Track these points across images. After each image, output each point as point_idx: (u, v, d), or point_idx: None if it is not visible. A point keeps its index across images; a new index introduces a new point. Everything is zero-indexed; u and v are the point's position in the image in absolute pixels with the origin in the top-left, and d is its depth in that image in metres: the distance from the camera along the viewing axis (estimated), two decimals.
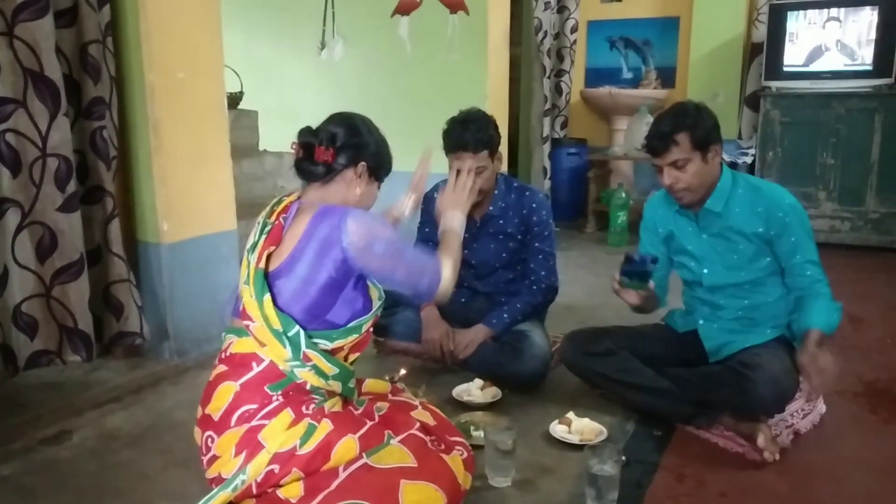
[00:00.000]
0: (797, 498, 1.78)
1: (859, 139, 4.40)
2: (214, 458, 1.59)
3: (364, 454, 1.54)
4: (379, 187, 1.81)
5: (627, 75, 5.79)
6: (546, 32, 5.23)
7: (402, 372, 2.23)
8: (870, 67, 4.41)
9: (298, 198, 1.74)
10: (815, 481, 1.85)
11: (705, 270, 2.20)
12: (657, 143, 2.07)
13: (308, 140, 1.68)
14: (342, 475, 1.52)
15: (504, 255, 2.60)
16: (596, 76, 5.88)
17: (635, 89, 5.54)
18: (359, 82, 5.01)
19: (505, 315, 2.51)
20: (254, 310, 1.60)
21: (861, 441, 2.07)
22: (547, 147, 5.42)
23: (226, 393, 1.61)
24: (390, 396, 1.89)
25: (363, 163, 1.70)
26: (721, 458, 1.96)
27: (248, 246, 1.68)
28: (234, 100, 3.95)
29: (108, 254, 2.27)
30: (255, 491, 1.54)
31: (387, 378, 2.21)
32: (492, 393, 2.31)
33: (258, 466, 1.53)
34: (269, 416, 1.58)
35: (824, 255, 2.13)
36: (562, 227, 5.36)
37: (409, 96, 4.77)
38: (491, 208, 2.54)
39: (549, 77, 5.36)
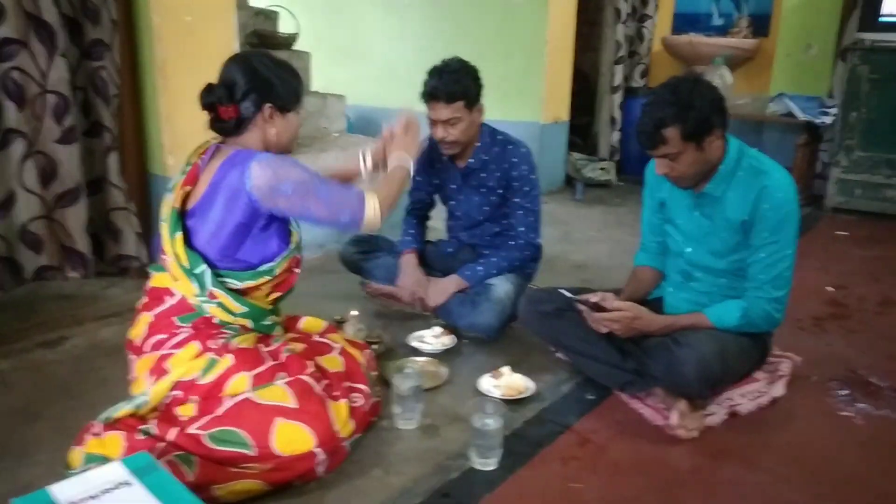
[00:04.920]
0: (692, 477, 1.73)
1: None
2: (134, 378, 1.79)
3: (251, 389, 1.67)
4: (298, 112, 1.86)
5: (718, 21, 5.39)
6: None
7: (353, 313, 2.33)
8: None
9: (222, 140, 1.85)
10: (721, 464, 1.78)
11: (689, 249, 2.10)
12: (644, 139, 1.89)
13: (209, 101, 1.76)
14: (227, 403, 1.65)
15: (486, 208, 2.61)
16: (683, 22, 5.51)
17: (722, 37, 5.16)
18: (424, 23, 5.03)
19: (479, 268, 2.54)
20: (168, 246, 1.75)
21: (800, 430, 1.96)
22: (618, 97, 5.21)
23: (143, 322, 1.79)
24: (315, 338, 1.99)
25: (268, 104, 1.77)
26: (638, 430, 1.93)
27: (170, 185, 1.82)
28: (287, 41, 4.09)
29: (107, 184, 2.50)
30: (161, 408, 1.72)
31: (336, 318, 2.34)
32: (444, 341, 2.36)
33: (160, 390, 1.69)
34: (178, 346, 1.74)
35: None
36: (627, 181, 5.20)
37: (471, 37, 4.73)
38: (472, 160, 2.53)
39: (624, 22, 5.10)
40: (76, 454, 1.59)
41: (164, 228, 1.77)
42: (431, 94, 2.37)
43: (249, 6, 4.15)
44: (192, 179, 1.79)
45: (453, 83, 2.35)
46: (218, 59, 2.79)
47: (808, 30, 4.82)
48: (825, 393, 2.16)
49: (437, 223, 2.89)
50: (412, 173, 2.03)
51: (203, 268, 1.73)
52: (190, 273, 1.73)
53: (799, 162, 4.37)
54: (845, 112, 4.22)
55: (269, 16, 4.29)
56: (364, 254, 2.74)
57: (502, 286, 2.46)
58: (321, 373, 1.80)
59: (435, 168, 2.68)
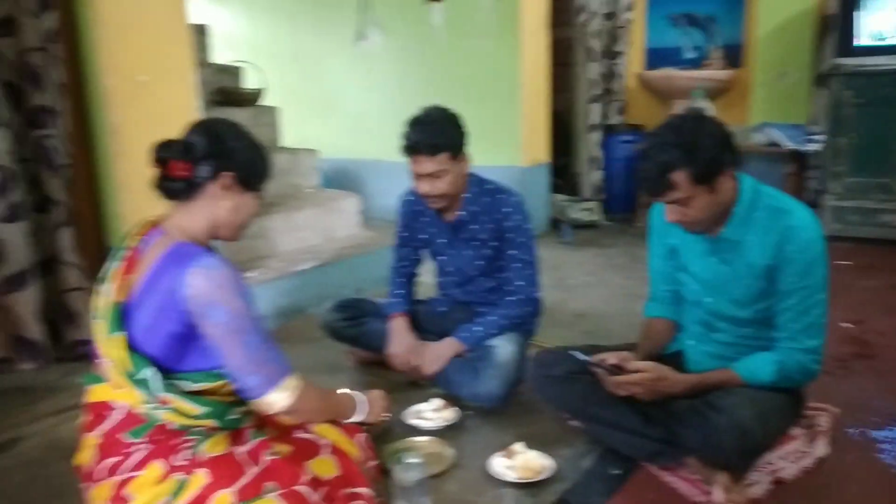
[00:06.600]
0: None
1: None
2: None
3: None
4: (258, 197, 1.64)
5: (690, 55, 5.34)
6: (594, 13, 4.90)
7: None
8: None
9: (162, 220, 1.60)
10: None
11: (709, 299, 1.90)
12: (650, 186, 1.72)
13: (162, 155, 1.53)
14: None
15: (480, 262, 2.41)
16: (657, 57, 5.46)
17: (697, 70, 5.10)
18: (394, 72, 4.90)
19: (478, 329, 2.32)
20: (106, 349, 1.48)
21: (857, 496, 1.74)
22: (596, 136, 5.10)
23: (90, 445, 1.50)
24: (297, 433, 1.72)
25: (228, 173, 1.55)
26: None
27: (104, 274, 1.54)
28: (252, 97, 3.91)
29: (60, 263, 2.26)
30: None
31: None
32: (446, 416, 2.13)
33: None
34: (138, 467, 1.45)
35: None
36: (614, 221, 5.06)
37: (443, 85, 4.61)
38: (461, 213, 2.34)
39: (597, 60, 5.02)
40: None
41: (101, 327, 1.48)
42: (413, 148, 2.18)
43: (211, 63, 3.97)
44: (132, 267, 1.52)
45: (435, 134, 2.17)
46: (177, 120, 2.57)
47: (782, 58, 4.77)
48: (871, 448, 1.95)
49: (427, 276, 2.67)
50: (354, 419, 1.77)
51: (149, 372, 1.45)
52: (133, 379, 1.46)
53: (789, 192, 4.24)
54: (833, 138, 4.13)
55: (233, 72, 4.13)
56: (349, 320, 2.51)
57: (505, 348, 2.24)
58: (315, 482, 1.53)
59: (420, 222, 2.48)
